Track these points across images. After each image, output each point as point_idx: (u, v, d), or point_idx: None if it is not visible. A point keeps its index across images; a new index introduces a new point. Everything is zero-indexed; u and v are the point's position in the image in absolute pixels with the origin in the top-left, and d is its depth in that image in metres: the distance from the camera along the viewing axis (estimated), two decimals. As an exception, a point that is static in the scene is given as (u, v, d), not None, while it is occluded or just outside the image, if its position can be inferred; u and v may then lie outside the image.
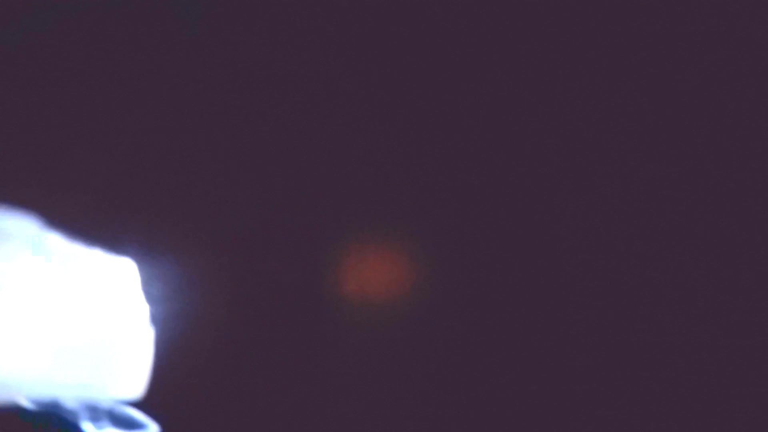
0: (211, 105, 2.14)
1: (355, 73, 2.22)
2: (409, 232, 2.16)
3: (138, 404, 0.99)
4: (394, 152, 2.20)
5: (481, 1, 2.16)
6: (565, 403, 1.98)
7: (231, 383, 2.01)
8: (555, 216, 2.16)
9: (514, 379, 2.03)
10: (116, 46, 2.09)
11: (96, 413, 0.90)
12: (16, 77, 2.03)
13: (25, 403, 0.88)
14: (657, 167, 2.10)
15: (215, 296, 2.03)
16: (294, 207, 2.17)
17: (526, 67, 2.19)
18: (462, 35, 2.18)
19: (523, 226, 2.18)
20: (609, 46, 2.15)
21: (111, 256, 1.04)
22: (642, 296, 2.03)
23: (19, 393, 0.87)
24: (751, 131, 2.07)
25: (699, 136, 2.10)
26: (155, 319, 1.05)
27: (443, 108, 2.21)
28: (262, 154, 2.18)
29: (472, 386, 2.02)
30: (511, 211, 2.19)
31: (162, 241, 2.01)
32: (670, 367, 1.97)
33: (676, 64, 2.13)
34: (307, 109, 2.20)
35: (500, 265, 2.14)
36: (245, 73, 2.15)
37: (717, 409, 1.89)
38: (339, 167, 2.19)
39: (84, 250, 1.04)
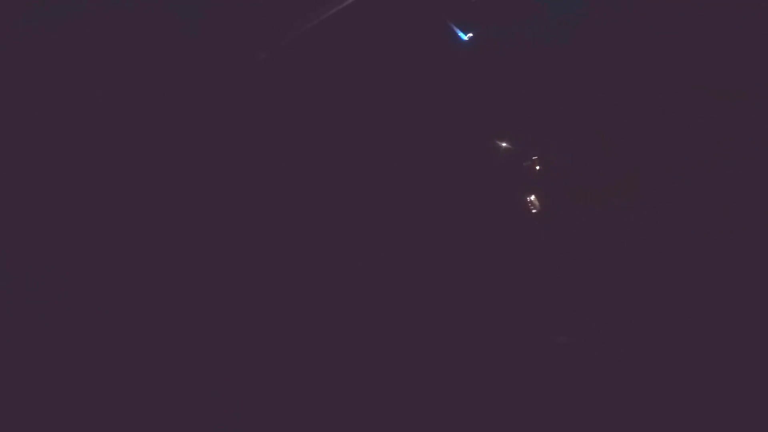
0: (210, 104, 2.15)
1: (353, 72, 2.22)
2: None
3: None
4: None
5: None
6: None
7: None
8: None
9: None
10: (116, 46, 2.09)
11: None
12: (15, 76, 2.04)
13: None
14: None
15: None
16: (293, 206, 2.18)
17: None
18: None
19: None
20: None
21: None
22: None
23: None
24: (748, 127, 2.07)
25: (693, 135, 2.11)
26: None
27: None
28: (261, 152, 2.19)
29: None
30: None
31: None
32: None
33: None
34: (305, 108, 2.21)
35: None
36: (244, 73, 2.16)
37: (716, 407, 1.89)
38: (336, 165, 2.21)
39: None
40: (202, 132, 2.15)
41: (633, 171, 2.12)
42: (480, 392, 1.99)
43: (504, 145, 2.20)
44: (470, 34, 2.07)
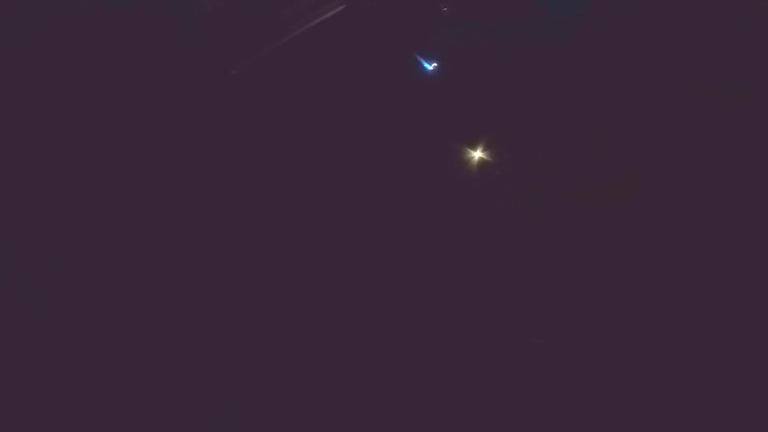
0: (209, 104, 2.15)
1: (352, 73, 2.22)
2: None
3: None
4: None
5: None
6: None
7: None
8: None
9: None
10: (116, 46, 2.09)
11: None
12: (16, 75, 2.04)
13: None
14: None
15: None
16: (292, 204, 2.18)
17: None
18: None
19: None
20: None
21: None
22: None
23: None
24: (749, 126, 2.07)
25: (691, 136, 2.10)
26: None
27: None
28: (260, 152, 2.19)
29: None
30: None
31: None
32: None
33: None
34: (305, 108, 2.21)
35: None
36: (243, 73, 2.16)
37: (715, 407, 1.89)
38: (334, 165, 2.21)
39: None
40: (203, 130, 2.15)
41: (633, 171, 2.12)
42: (458, 389, 2.00)
43: (495, 148, 2.20)
44: (435, 65, 2.12)
